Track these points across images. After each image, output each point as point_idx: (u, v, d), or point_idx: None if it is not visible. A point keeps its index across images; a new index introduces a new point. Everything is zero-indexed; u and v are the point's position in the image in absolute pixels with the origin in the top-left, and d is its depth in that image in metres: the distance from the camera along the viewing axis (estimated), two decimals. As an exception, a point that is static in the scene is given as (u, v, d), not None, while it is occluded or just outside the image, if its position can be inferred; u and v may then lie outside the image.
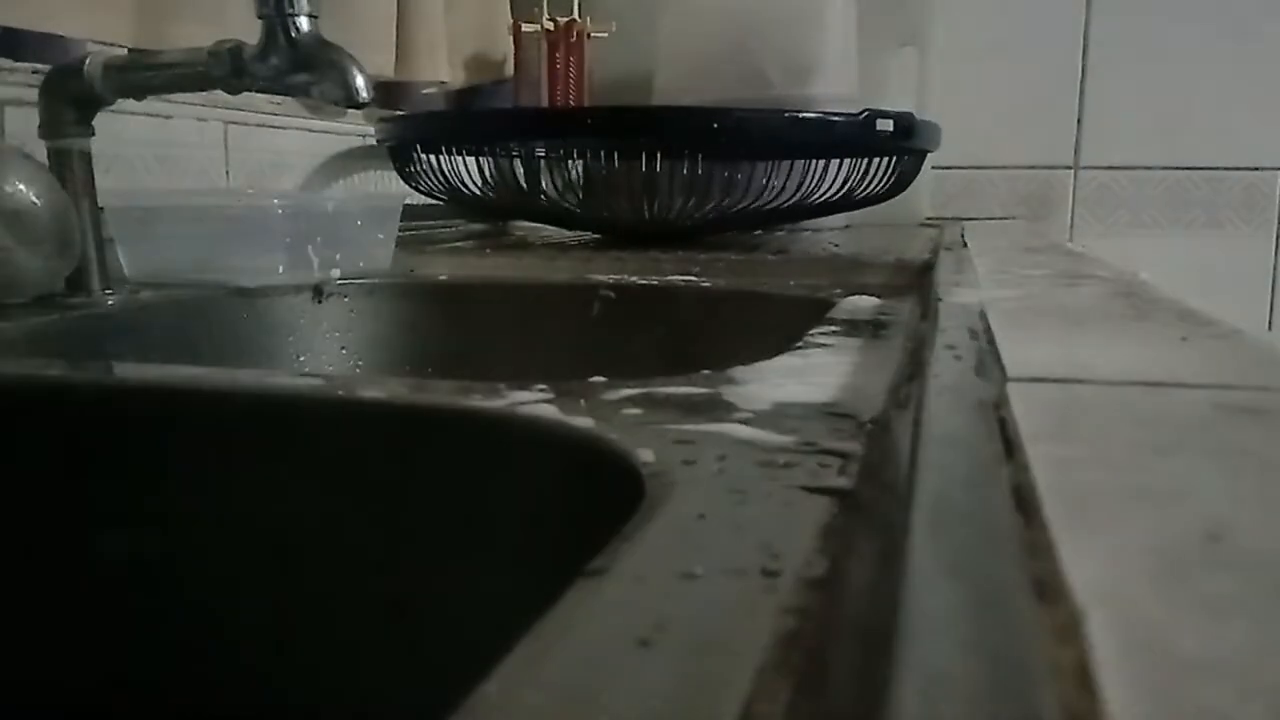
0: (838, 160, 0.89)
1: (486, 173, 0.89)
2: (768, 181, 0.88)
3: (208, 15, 0.76)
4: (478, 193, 0.90)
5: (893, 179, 0.94)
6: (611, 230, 0.96)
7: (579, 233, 1.06)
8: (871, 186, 0.93)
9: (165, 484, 0.36)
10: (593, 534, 0.20)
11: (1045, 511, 0.14)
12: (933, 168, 1.25)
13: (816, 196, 0.90)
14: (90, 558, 0.37)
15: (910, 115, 0.88)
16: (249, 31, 0.52)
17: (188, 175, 0.76)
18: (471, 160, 0.90)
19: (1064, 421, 0.20)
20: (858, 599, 0.17)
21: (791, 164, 0.87)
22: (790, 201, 0.89)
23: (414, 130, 0.91)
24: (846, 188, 0.91)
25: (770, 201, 0.88)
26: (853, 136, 0.87)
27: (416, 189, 0.92)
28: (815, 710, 0.13)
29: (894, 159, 0.93)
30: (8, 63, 0.63)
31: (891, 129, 0.86)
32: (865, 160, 0.91)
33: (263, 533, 0.35)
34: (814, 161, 0.88)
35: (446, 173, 0.89)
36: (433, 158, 0.88)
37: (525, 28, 1.22)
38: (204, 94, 0.69)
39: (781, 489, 0.22)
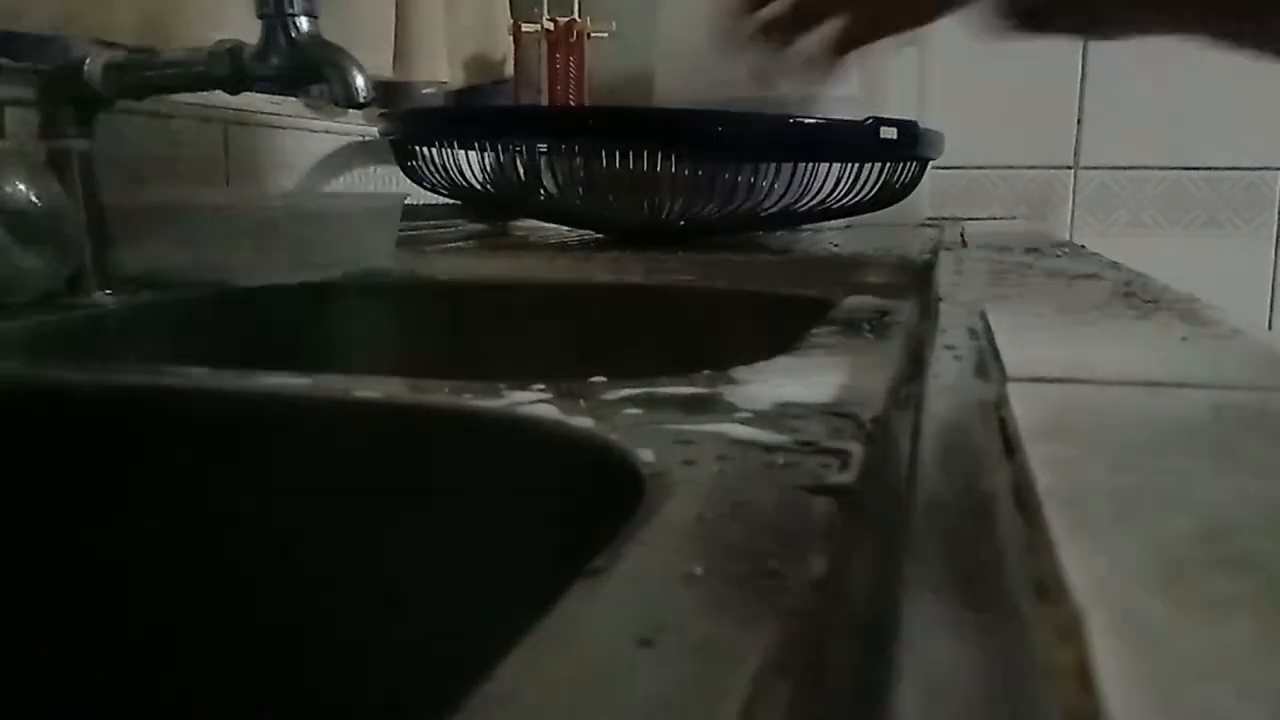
0: (839, 165, 0.89)
1: (488, 168, 0.89)
2: (769, 185, 0.88)
3: (208, 15, 0.76)
4: (479, 188, 0.90)
5: (894, 185, 0.94)
6: (612, 229, 0.96)
7: (580, 232, 1.06)
8: (871, 192, 0.92)
9: (165, 484, 0.36)
10: (593, 534, 0.20)
11: (1045, 511, 0.14)
12: (933, 168, 1.25)
13: (816, 201, 0.90)
14: (89, 558, 0.37)
15: (914, 123, 0.88)
16: (249, 31, 0.52)
17: (188, 175, 0.76)
18: (474, 156, 0.90)
19: (1064, 421, 0.20)
20: (858, 599, 0.17)
21: (794, 167, 0.87)
22: (789, 205, 0.89)
23: (417, 125, 0.91)
24: (846, 193, 0.90)
25: (769, 205, 0.88)
26: (855, 142, 0.87)
27: (419, 184, 0.92)
28: (815, 711, 0.13)
29: (896, 165, 0.92)
30: (8, 63, 0.63)
31: (895, 136, 0.86)
32: (866, 166, 0.90)
33: (262, 533, 0.35)
34: (814, 165, 0.88)
35: (449, 168, 0.89)
36: (435, 153, 0.88)
37: (525, 28, 1.22)
38: (204, 94, 0.69)
39: (781, 489, 0.22)
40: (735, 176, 0.86)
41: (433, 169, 0.90)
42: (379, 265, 0.68)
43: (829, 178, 0.89)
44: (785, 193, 0.88)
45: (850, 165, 0.89)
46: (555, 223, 1.03)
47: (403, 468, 0.32)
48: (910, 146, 0.89)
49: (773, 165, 0.88)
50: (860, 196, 0.92)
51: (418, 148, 0.89)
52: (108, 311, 0.53)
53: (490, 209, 1.11)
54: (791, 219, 0.93)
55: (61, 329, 0.50)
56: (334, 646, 0.35)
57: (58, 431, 0.36)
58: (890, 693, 0.10)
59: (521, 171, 0.89)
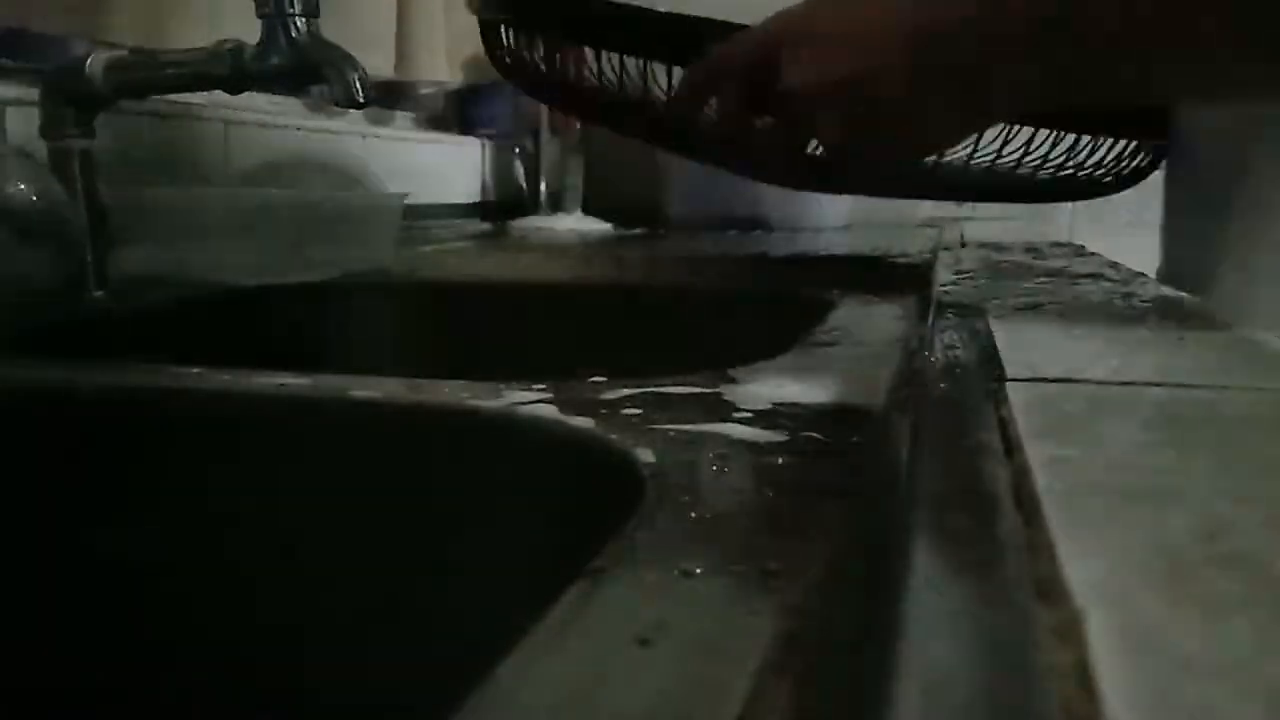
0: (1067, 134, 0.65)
1: (606, 72, 0.65)
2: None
3: (208, 15, 0.76)
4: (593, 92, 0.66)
5: (1135, 164, 0.69)
6: (756, 160, 0.66)
7: (579, 232, 1.05)
8: (1107, 168, 0.68)
9: (165, 484, 0.36)
10: (593, 534, 0.20)
11: (1045, 511, 0.14)
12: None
13: (1021, 167, 0.67)
14: (90, 559, 0.37)
15: None
16: (249, 32, 0.52)
17: (188, 175, 0.76)
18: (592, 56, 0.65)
19: (1064, 421, 0.20)
20: (858, 599, 0.17)
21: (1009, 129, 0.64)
22: (1004, 163, 0.66)
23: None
24: (1066, 165, 0.67)
25: (975, 158, 0.65)
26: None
27: (514, 80, 0.71)
28: (815, 710, 0.13)
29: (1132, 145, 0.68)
30: (9, 63, 0.63)
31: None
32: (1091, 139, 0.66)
33: (262, 533, 0.35)
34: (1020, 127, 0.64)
35: (561, 63, 0.66)
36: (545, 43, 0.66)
37: (525, 28, 1.22)
38: (204, 94, 0.69)
39: (782, 489, 0.22)
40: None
41: (539, 64, 0.67)
42: (379, 265, 0.68)
43: (1048, 145, 0.66)
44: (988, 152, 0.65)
45: (1071, 136, 0.65)
46: (677, 148, 0.72)
47: (403, 468, 0.32)
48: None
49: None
50: (1085, 171, 0.68)
51: (523, 35, 0.65)
52: (108, 311, 0.53)
53: (608, 119, 0.74)
54: (988, 190, 0.69)
55: (61, 329, 0.50)
56: (334, 646, 0.35)
57: (58, 431, 0.36)
58: (890, 693, 0.10)
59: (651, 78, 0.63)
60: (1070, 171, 0.68)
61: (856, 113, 0.49)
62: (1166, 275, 0.68)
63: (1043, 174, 0.68)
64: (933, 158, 0.64)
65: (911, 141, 0.51)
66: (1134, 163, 0.69)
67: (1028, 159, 0.66)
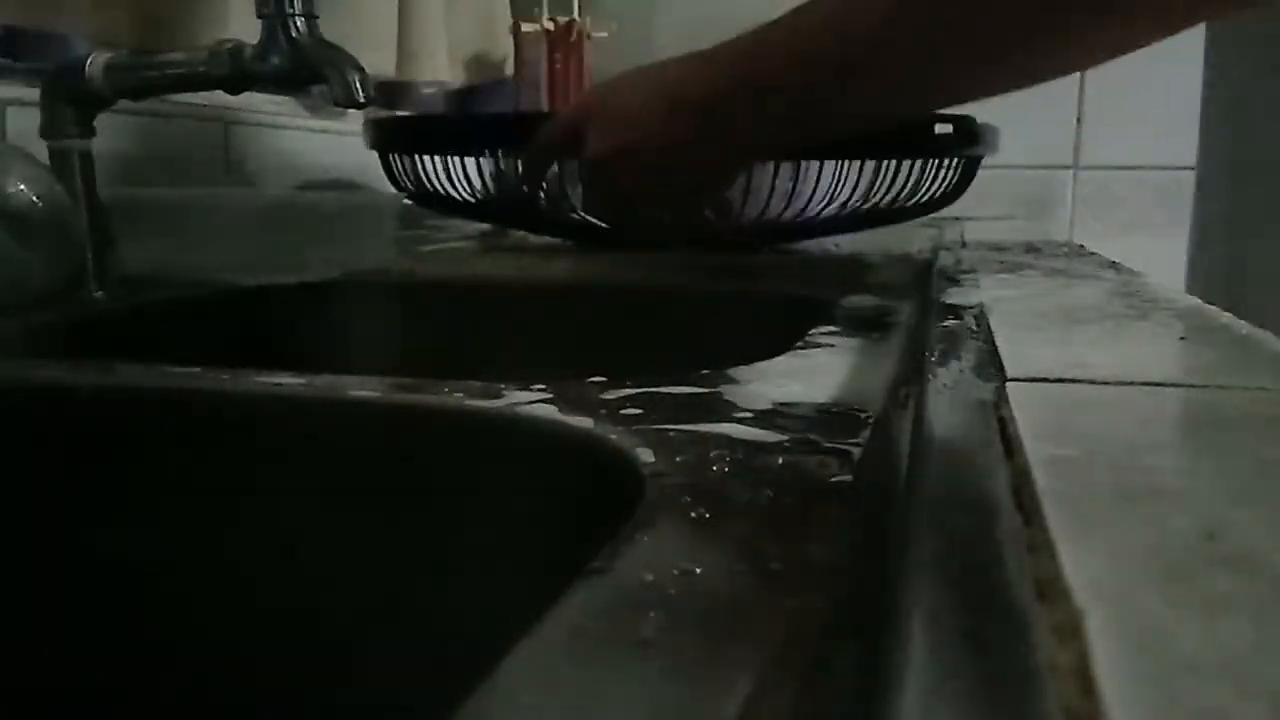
0: (884, 163, 0.79)
1: (482, 175, 0.80)
2: (798, 187, 0.78)
3: (209, 15, 0.76)
4: (468, 197, 0.82)
5: (951, 183, 0.85)
6: (627, 240, 0.83)
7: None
8: (927, 192, 0.83)
9: (164, 484, 0.36)
10: (593, 534, 0.20)
11: (1045, 511, 0.14)
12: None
13: (864, 202, 0.80)
14: (89, 559, 0.37)
15: (971, 119, 0.80)
16: (249, 31, 0.52)
17: (188, 175, 0.76)
18: (467, 161, 0.81)
19: (1064, 421, 0.20)
20: (858, 598, 0.17)
21: (821, 166, 0.78)
22: (837, 206, 0.80)
23: (398, 133, 0.84)
24: (887, 193, 0.81)
25: (813, 207, 0.79)
26: (909, 137, 0.79)
27: (404, 193, 0.85)
28: (815, 710, 0.13)
29: (951, 163, 0.83)
30: (9, 62, 0.63)
31: (951, 131, 0.79)
32: (921, 162, 0.81)
33: (261, 534, 0.35)
34: (849, 164, 0.78)
35: (435, 176, 0.81)
36: (421, 160, 0.81)
37: (525, 28, 1.22)
38: (204, 94, 0.69)
39: (781, 489, 0.22)
40: (773, 179, 0.76)
41: (416, 178, 0.80)
42: (378, 265, 0.68)
43: (861, 178, 0.79)
44: (828, 196, 0.79)
45: (888, 163, 0.78)
46: (561, 236, 0.90)
47: (403, 468, 0.32)
48: (968, 144, 0.81)
49: (813, 164, 0.76)
50: (914, 197, 0.82)
51: (396, 158, 0.81)
52: (108, 311, 0.53)
53: (490, 219, 0.95)
54: (838, 225, 0.82)
55: (61, 329, 0.50)
56: (334, 646, 0.35)
57: (58, 431, 0.36)
58: (890, 693, 0.10)
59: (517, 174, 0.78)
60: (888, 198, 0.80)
61: (639, 164, 0.62)
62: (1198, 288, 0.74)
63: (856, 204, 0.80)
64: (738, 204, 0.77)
65: (691, 180, 0.64)
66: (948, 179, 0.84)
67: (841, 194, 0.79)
